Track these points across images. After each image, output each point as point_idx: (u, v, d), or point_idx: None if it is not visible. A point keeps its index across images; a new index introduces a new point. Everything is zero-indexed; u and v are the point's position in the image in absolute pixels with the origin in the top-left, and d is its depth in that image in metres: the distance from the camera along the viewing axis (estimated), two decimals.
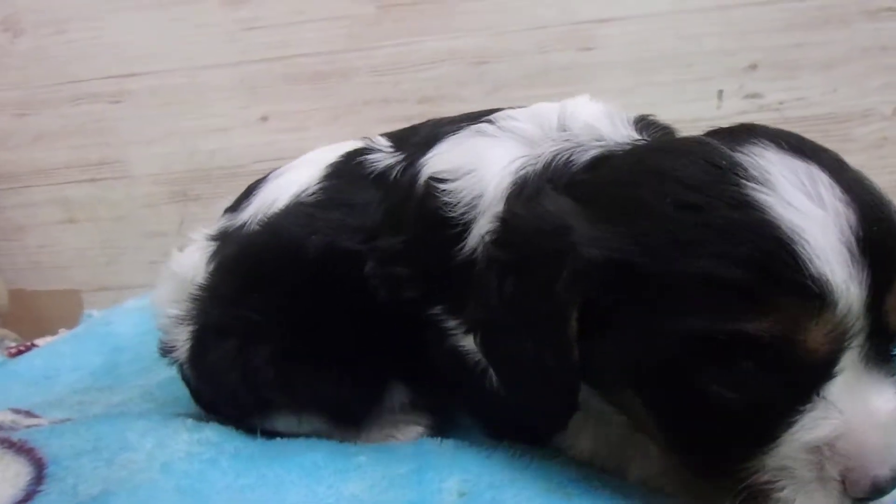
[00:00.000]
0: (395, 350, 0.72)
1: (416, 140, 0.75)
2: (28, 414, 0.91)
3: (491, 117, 0.71)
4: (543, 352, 0.51)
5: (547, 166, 0.60)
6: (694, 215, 0.45)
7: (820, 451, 0.44)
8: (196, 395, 0.85)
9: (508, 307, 0.53)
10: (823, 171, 0.46)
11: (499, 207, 0.61)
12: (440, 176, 0.67)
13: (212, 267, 0.79)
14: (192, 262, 0.82)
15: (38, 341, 1.22)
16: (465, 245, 0.63)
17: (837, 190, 0.44)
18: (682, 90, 1.45)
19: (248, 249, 0.77)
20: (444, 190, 0.66)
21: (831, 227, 0.43)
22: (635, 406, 0.52)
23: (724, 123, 1.41)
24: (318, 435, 0.77)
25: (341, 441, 0.76)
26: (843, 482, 0.44)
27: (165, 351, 0.83)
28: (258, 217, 0.78)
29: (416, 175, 0.70)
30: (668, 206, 0.47)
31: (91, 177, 1.54)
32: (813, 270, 0.41)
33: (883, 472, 0.43)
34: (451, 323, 0.65)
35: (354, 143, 0.83)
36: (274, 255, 0.75)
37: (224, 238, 0.81)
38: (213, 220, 1.50)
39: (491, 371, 0.62)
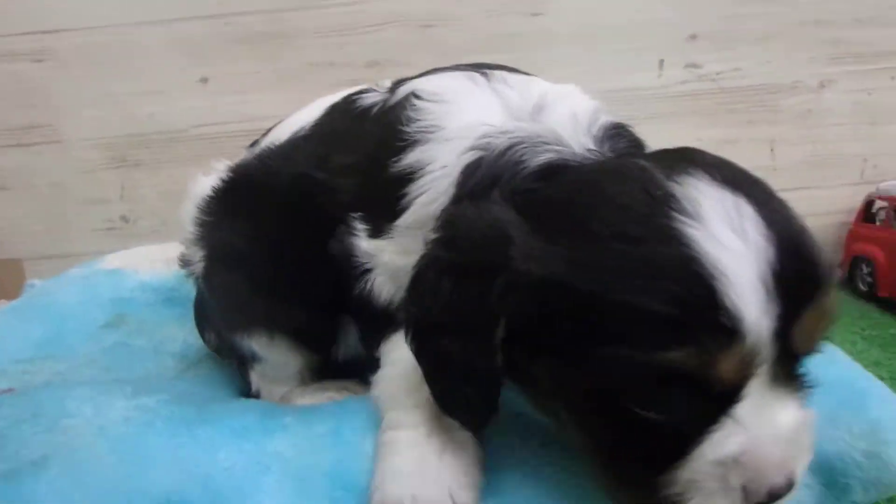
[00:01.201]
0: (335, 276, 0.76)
1: (409, 78, 0.79)
2: None
3: (487, 72, 0.73)
4: (469, 355, 0.53)
5: (500, 156, 0.62)
6: (627, 245, 0.47)
7: (725, 465, 0.47)
8: (197, 309, 0.99)
9: (442, 306, 0.55)
10: (751, 204, 0.48)
11: (447, 161, 0.64)
12: (420, 93, 0.71)
13: (216, 196, 0.86)
14: (206, 187, 0.88)
15: None
16: (400, 160, 0.67)
17: (762, 224, 0.47)
18: (626, 59, 1.49)
19: (241, 181, 0.85)
20: (414, 105, 0.70)
21: (751, 262, 0.45)
22: (562, 417, 0.55)
23: (665, 93, 1.47)
24: (288, 357, 0.87)
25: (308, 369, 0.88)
26: (744, 491, 0.48)
27: (185, 263, 0.93)
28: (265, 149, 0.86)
29: (392, 97, 0.75)
30: (605, 232, 0.49)
31: (18, 141, 1.49)
32: (729, 306, 0.44)
33: (779, 480, 0.47)
34: (360, 226, 0.71)
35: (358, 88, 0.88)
36: (257, 186, 0.83)
37: (235, 170, 0.88)
38: (158, 187, 1.48)
39: (368, 277, 0.70)
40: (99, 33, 1.43)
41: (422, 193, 0.66)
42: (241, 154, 0.98)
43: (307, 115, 0.86)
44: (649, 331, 0.45)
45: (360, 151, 0.74)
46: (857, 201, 1.52)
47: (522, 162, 0.61)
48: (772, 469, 0.47)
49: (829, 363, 0.71)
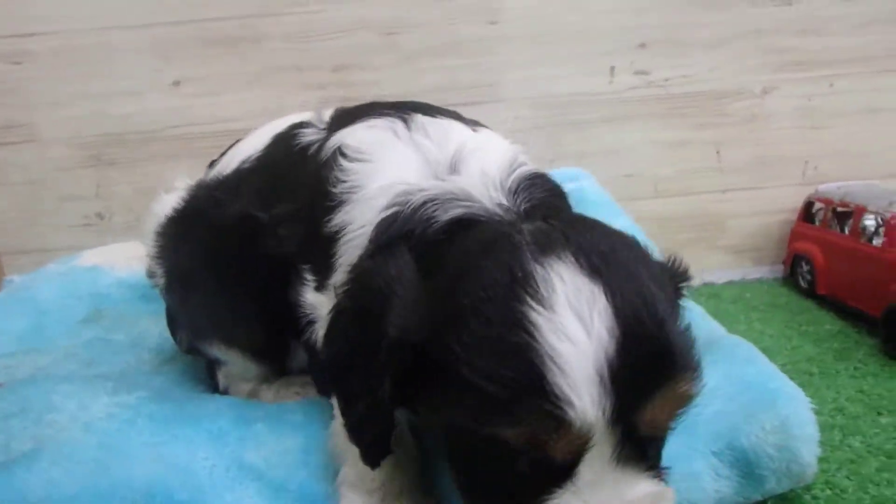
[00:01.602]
0: (281, 303, 0.82)
1: (345, 119, 0.83)
2: None
3: (408, 119, 0.77)
4: (368, 394, 0.57)
5: (414, 212, 0.66)
6: (479, 325, 0.50)
7: None
8: (168, 315, 1.04)
9: (346, 350, 0.60)
10: (607, 294, 0.49)
11: (366, 220, 0.69)
12: (345, 150, 0.76)
13: (173, 219, 0.93)
14: (167, 207, 0.96)
15: None
16: (330, 220, 0.72)
17: (612, 316, 0.49)
18: (580, 65, 1.55)
19: (193, 209, 0.92)
20: (340, 165, 0.74)
21: (590, 354, 0.47)
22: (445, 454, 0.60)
23: (618, 98, 1.55)
24: (247, 364, 0.94)
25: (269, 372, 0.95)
26: None
27: (150, 274, 0.99)
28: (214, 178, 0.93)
29: (323, 150, 0.79)
30: (467, 308, 0.51)
31: None
32: (558, 394, 0.47)
33: None
34: (309, 277, 0.76)
35: (302, 117, 0.92)
36: (207, 217, 0.89)
37: (189, 196, 0.95)
38: (133, 184, 1.53)
39: (313, 328, 0.74)
40: (75, 36, 1.46)
41: (345, 253, 0.70)
42: (211, 155, 1.05)
43: (254, 143, 0.91)
44: (487, 409, 0.49)
45: (300, 202, 0.79)
46: (799, 201, 1.58)
47: (433, 217, 0.64)
48: None
49: (747, 364, 0.80)
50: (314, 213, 0.74)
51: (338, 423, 0.71)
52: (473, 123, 0.82)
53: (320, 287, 0.74)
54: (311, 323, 0.76)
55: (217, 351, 0.94)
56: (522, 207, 0.66)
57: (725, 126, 1.61)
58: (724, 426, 0.71)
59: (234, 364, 0.95)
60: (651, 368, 0.50)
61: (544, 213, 0.64)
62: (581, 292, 0.49)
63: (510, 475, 0.52)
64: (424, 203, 0.65)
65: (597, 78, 1.56)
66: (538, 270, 0.51)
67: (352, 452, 0.64)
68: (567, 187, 1.38)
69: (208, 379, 1.02)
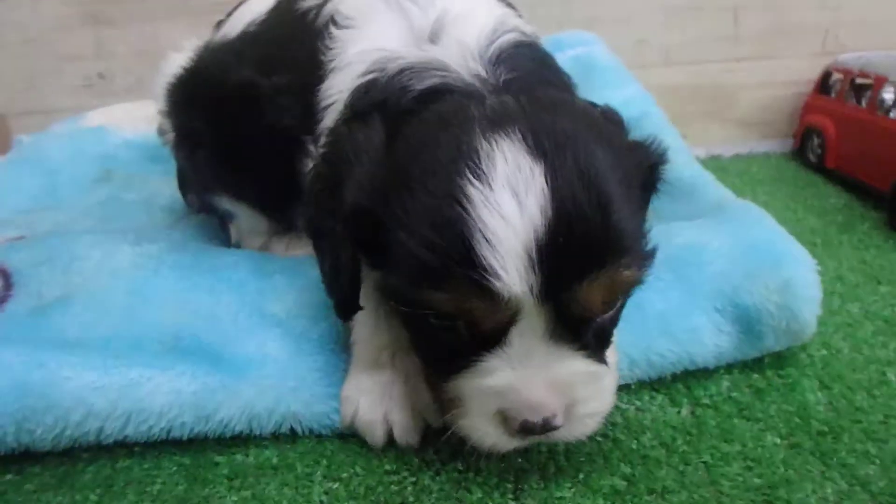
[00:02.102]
0: (285, 167, 0.83)
1: None
2: None
3: None
4: (335, 253, 0.60)
5: (390, 80, 0.65)
6: (423, 195, 0.52)
7: (486, 394, 0.55)
8: (179, 174, 1.08)
9: (317, 212, 0.62)
10: (547, 174, 0.50)
11: (343, 86, 0.69)
12: (336, 18, 0.75)
13: (180, 81, 0.94)
14: (175, 66, 0.96)
15: None
16: (319, 88, 0.72)
17: (547, 197, 0.49)
18: None
19: (199, 70, 0.92)
20: (330, 33, 0.74)
21: (520, 231, 0.49)
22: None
23: None
24: (256, 218, 0.98)
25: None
26: (504, 422, 0.55)
27: (161, 132, 1.00)
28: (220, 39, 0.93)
29: (322, 16, 0.78)
30: (416, 177, 0.53)
31: None
32: (486, 266, 0.49)
33: (533, 419, 0.54)
34: (311, 149, 0.76)
35: None
36: (212, 80, 0.89)
37: (196, 58, 0.95)
38: (131, 45, 1.48)
39: None
40: None
41: (326, 118, 0.71)
42: (209, 14, 1.04)
43: (258, 5, 0.90)
44: (422, 275, 0.51)
45: (297, 72, 0.78)
46: (815, 73, 1.54)
47: (408, 86, 0.64)
48: (527, 408, 0.54)
49: (754, 225, 0.81)
50: (310, 83, 0.74)
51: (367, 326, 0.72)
52: None
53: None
54: None
55: (227, 204, 0.96)
56: (502, 78, 0.64)
57: None
58: (728, 284, 0.73)
59: (244, 217, 0.98)
60: (584, 251, 0.51)
61: (519, 86, 0.63)
62: (521, 171, 0.50)
63: (449, 337, 0.55)
64: (401, 71, 0.65)
65: None
66: (483, 146, 0.52)
67: (361, 313, 0.67)
68: (576, 52, 1.35)
69: (221, 234, 1.04)
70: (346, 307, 0.63)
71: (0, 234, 0.99)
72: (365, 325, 0.69)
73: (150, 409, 0.64)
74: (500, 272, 0.49)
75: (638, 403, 0.70)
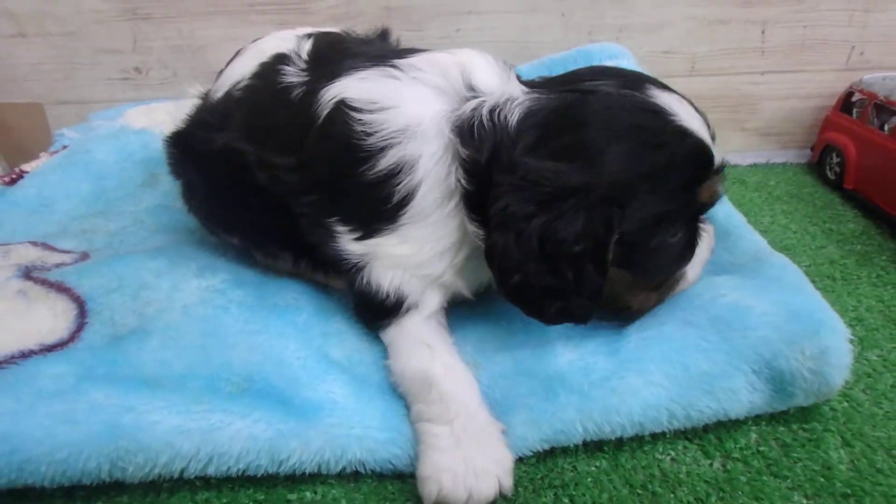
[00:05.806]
0: (281, 226, 0.88)
1: (322, 69, 0.86)
2: (45, 246, 1.03)
3: (395, 63, 0.82)
4: (579, 273, 0.71)
5: (491, 115, 0.74)
6: (656, 149, 0.72)
7: None
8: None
9: (538, 244, 0.69)
10: (684, 99, 0.77)
11: (432, 149, 0.76)
12: (352, 104, 0.79)
13: (177, 137, 0.99)
14: (181, 118, 1.01)
15: (25, 167, 1.27)
16: (373, 167, 0.76)
17: (694, 109, 0.78)
18: None
19: (190, 129, 0.97)
20: (359, 119, 0.78)
21: (706, 128, 0.77)
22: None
23: None
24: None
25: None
26: None
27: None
28: (209, 97, 0.98)
29: (317, 102, 0.82)
30: (632, 141, 0.71)
31: None
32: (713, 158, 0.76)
33: None
34: (341, 228, 0.81)
35: (285, 44, 0.95)
36: (201, 140, 0.92)
37: (191, 114, 1.00)
38: (168, 41, 1.49)
39: (363, 273, 0.81)
40: None
41: (418, 185, 0.75)
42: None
43: (242, 68, 0.94)
44: (672, 192, 0.74)
45: (306, 153, 0.82)
46: (839, 88, 1.55)
47: (506, 119, 0.74)
48: None
49: (796, 293, 0.83)
50: (340, 171, 0.79)
51: (397, 366, 0.79)
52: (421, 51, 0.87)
53: (370, 233, 0.79)
54: (360, 269, 0.82)
55: (237, 242, 1.00)
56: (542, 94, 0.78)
57: (772, 4, 1.54)
58: (768, 350, 0.77)
59: (255, 253, 1.01)
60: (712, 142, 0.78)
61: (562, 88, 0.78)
62: (682, 102, 0.78)
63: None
64: (491, 111, 0.75)
65: None
66: (659, 100, 0.75)
67: (418, 391, 0.75)
68: (604, 64, 1.38)
69: None
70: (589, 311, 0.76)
71: (58, 246, 1.03)
72: (427, 405, 0.74)
73: (229, 452, 0.69)
74: (715, 158, 0.76)
75: (672, 454, 0.76)
